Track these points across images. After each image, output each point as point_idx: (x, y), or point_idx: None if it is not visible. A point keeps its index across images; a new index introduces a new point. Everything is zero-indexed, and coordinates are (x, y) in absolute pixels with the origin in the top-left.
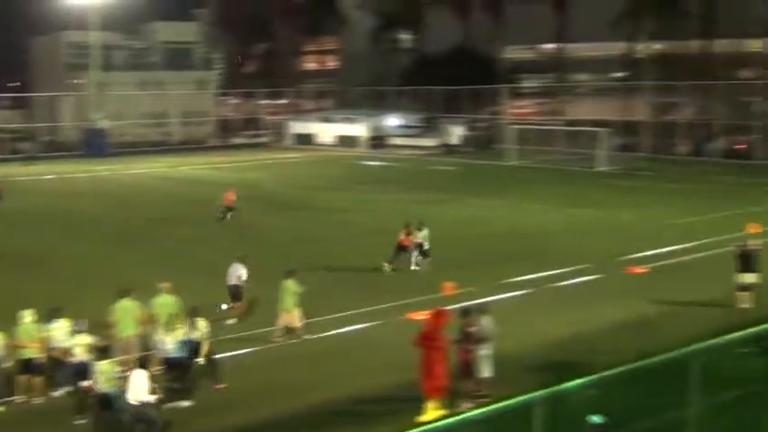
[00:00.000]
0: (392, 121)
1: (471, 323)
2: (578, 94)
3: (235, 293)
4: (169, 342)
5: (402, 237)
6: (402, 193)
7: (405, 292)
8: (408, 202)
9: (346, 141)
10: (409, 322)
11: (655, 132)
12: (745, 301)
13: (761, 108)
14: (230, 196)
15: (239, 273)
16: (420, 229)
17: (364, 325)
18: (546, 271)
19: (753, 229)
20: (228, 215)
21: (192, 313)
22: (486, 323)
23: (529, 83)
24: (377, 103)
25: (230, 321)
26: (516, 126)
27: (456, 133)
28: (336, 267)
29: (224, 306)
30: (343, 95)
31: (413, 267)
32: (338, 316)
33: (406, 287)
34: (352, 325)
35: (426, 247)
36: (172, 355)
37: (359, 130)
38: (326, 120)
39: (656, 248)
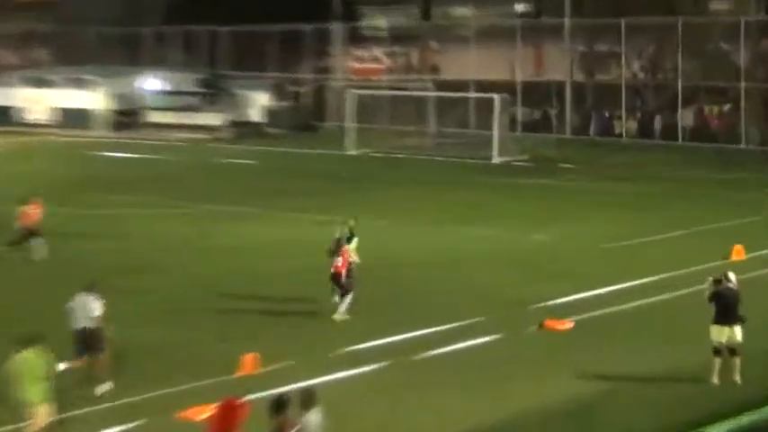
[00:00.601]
0: (150, 84)
1: (289, 423)
2: (458, 40)
3: (89, 340)
4: None
5: (337, 263)
6: (169, 204)
7: (179, 371)
8: (182, 220)
9: (74, 118)
10: (186, 424)
11: (581, 100)
12: (729, 373)
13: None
14: (32, 212)
15: (90, 309)
16: (349, 238)
17: (121, 428)
18: (413, 330)
19: (739, 254)
20: (31, 242)
21: None
22: (313, 421)
23: (378, 20)
24: (125, 54)
25: (103, 388)
26: (358, 91)
27: (258, 104)
28: (65, 336)
29: (62, 366)
30: (68, 42)
31: (338, 317)
32: (82, 413)
33: (181, 364)
34: (104, 428)
35: (355, 264)
36: None
37: (95, 99)
38: (39, 83)
39: (586, 289)
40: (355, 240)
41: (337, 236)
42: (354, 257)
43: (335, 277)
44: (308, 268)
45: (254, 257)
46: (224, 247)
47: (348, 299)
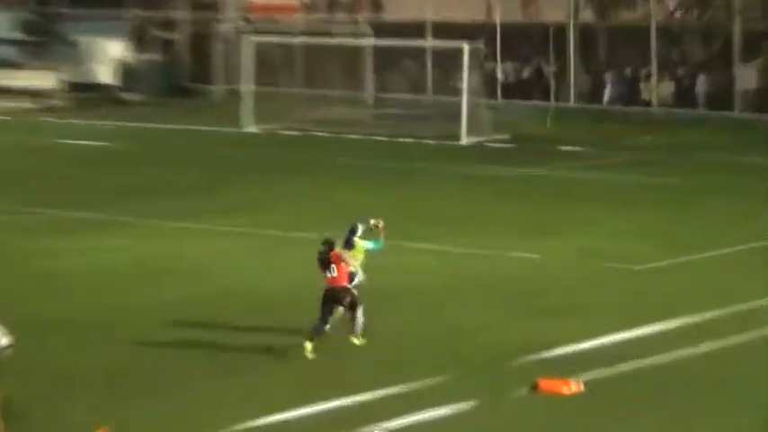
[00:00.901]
0: None
1: None
2: None
3: None
4: None
5: (332, 273)
6: None
7: None
8: (12, 231)
9: None
10: None
11: (591, 53)
12: None
13: None
14: None
15: None
16: (347, 242)
17: None
18: (348, 393)
19: None
20: None
21: None
22: None
23: None
24: None
25: None
26: (259, 38)
27: (108, 57)
28: None
29: None
30: None
31: (356, 340)
32: None
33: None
34: None
35: (359, 279)
36: None
37: None
38: None
39: (597, 333)
40: (362, 244)
41: (329, 242)
42: (357, 267)
43: (330, 292)
44: (201, 299)
45: (116, 284)
46: (76, 272)
47: (359, 315)
